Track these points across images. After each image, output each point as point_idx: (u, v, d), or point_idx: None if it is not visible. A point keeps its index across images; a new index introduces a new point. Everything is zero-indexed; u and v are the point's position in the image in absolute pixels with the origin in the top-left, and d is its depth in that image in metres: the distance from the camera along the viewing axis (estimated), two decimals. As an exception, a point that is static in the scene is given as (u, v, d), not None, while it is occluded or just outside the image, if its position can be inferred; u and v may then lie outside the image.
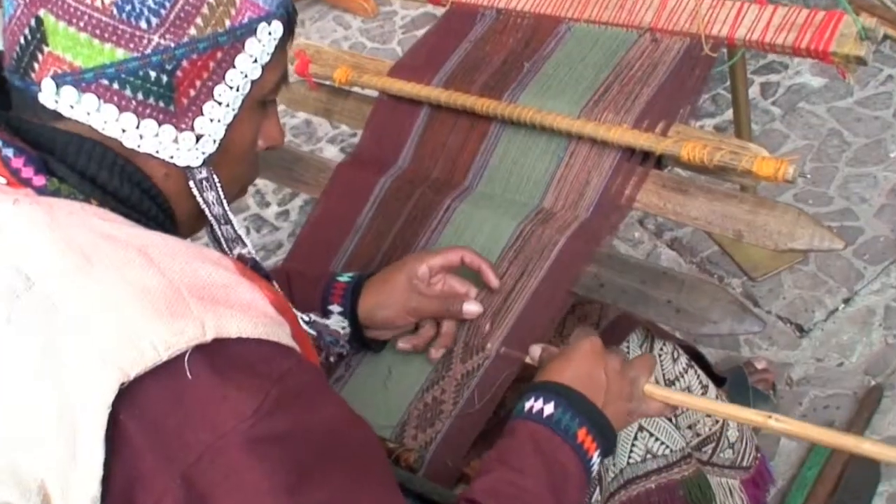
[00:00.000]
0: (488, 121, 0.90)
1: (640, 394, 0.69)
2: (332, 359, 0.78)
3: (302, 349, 0.52)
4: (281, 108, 0.65)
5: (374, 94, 0.99)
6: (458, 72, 0.94)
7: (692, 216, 0.79)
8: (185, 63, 0.51)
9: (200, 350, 0.46)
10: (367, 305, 0.79)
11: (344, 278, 0.82)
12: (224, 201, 0.57)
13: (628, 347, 0.85)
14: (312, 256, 0.93)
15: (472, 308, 0.79)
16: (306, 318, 0.71)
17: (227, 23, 0.52)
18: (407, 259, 0.82)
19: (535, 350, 0.75)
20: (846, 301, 1.28)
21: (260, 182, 1.59)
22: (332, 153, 1.70)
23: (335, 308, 0.79)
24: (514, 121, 0.87)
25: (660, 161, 0.82)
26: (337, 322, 0.79)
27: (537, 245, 0.82)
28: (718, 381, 0.95)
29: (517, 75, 0.91)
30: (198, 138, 0.54)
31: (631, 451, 0.80)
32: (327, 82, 1.02)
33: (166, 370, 0.45)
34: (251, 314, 0.48)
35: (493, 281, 0.80)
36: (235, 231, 0.59)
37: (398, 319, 0.80)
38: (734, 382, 1.13)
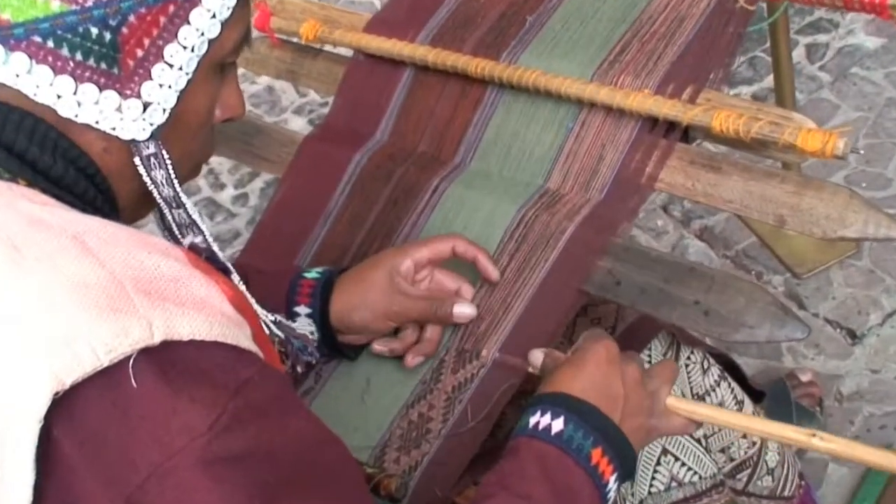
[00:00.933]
0: (483, 85, 0.90)
1: (661, 408, 0.70)
2: (299, 368, 0.78)
3: (265, 355, 0.53)
4: (238, 71, 0.64)
5: (348, 53, 0.99)
6: (447, 27, 0.93)
7: (725, 199, 0.79)
8: (132, 18, 0.51)
9: (147, 354, 0.46)
10: (340, 307, 0.80)
11: (312, 274, 0.82)
12: (175, 181, 0.57)
13: (650, 356, 0.86)
14: (275, 248, 0.93)
15: (464, 311, 0.80)
16: (271, 318, 0.71)
17: None
18: (387, 252, 0.82)
19: (537, 356, 0.75)
20: (907, 302, 1.34)
21: (213, 160, 1.57)
22: (298, 125, 1.70)
23: (302, 309, 0.80)
24: (514, 85, 0.87)
25: (687, 133, 0.83)
26: (304, 326, 0.80)
27: (542, 234, 0.83)
28: (756, 395, 0.95)
29: (517, 31, 0.90)
30: (145, 107, 0.54)
31: (653, 479, 0.80)
32: (293, 39, 1.01)
33: (107, 378, 0.45)
34: (206, 313, 0.48)
35: (492, 272, 0.81)
36: (189, 215, 0.59)
37: (376, 323, 0.81)
38: (775, 397, 1.13)
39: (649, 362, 0.85)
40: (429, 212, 0.90)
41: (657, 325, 0.86)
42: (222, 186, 1.61)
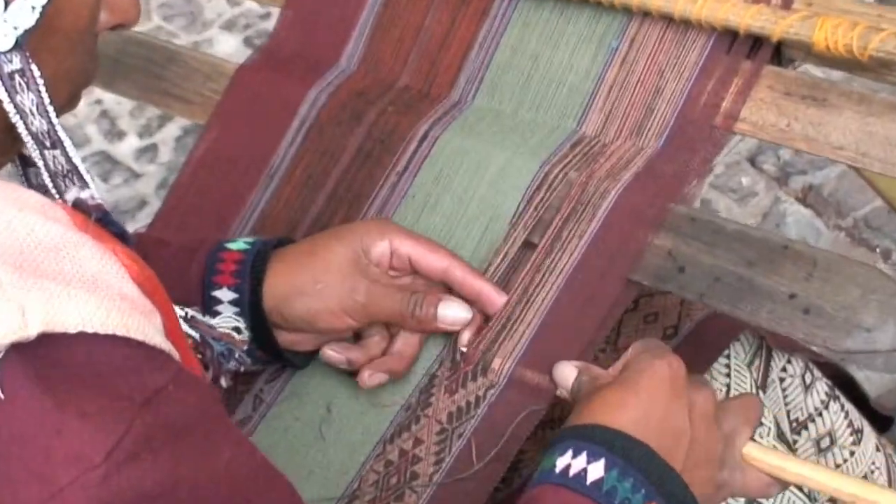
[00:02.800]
0: (491, -13, 0.93)
1: (736, 458, 0.72)
2: (223, 382, 0.80)
3: (183, 358, 0.55)
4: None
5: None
6: None
7: (835, 145, 0.79)
8: None
9: (19, 352, 0.47)
10: (280, 289, 0.81)
11: (238, 245, 0.83)
12: (50, 109, 0.58)
13: (728, 367, 0.87)
14: (194, 221, 0.95)
15: (454, 313, 0.82)
16: (182, 313, 0.73)
17: None
18: (356, 225, 0.84)
19: (566, 372, 0.77)
20: None
21: (110, 100, 1.56)
22: (229, 47, 1.70)
23: (224, 294, 0.81)
24: (536, -13, 0.90)
25: (780, 53, 0.83)
26: (228, 319, 0.81)
27: (575, 200, 0.84)
28: (881, 422, 0.97)
29: None
30: (6, 4, 0.55)
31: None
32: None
33: None
34: (100, 294, 0.49)
35: (496, 300, 0.82)
36: (69, 159, 0.59)
37: (329, 319, 0.82)
38: (909, 426, 1.17)
39: (727, 375, 0.86)
40: (414, 169, 0.91)
41: (735, 325, 0.87)
42: (121, 136, 1.59)
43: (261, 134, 0.95)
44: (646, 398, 0.69)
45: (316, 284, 0.81)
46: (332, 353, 0.84)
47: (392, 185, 0.91)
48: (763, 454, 0.72)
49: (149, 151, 1.59)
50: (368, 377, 0.82)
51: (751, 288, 0.76)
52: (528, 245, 0.85)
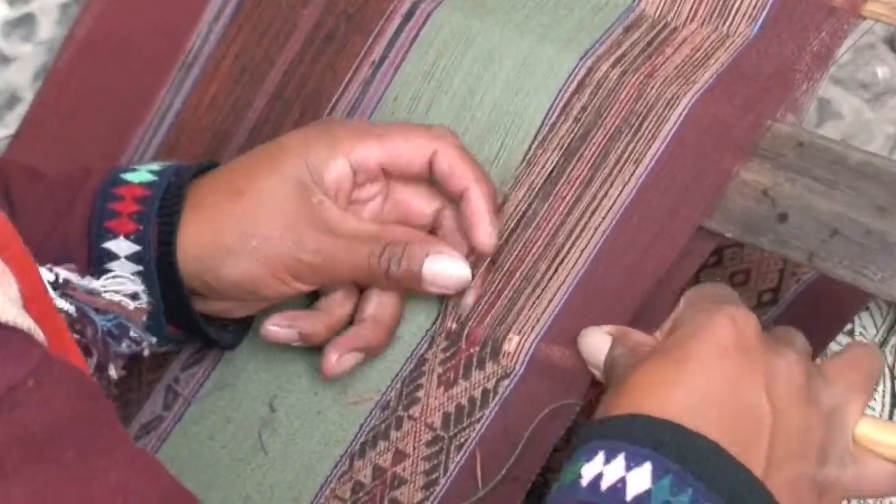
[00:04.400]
0: None
1: (845, 444, 0.72)
2: (113, 372, 0.80)
3: (52, 342, 0.56)
4: None
5: None
6: None
7: None
8: None
9: None
10: (198, 248, 0.83)
11: (142, 176, 0.84)
12: None
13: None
14: (79, 132, 0.96)
15: (448, 270, 0.83)
16: (49, 277, 0.73)
17: None
18: (293, 139, 0.85)
19: (595, 340, 0.78)
20: None
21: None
22: None
23: (120, 246, 0.82)
24: None
25: None
26: (124, 283, 0.81)
27: (628, 110, 0.85)
28: None
29: None
30: None
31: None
32: None
33: None
34: None
35: (485, 239, 0.83)
36: None
37: (267, 281, 0.83)
38: None
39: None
40: (396, 60, 0.91)
41: (854, 293, 0.85)
42: (-19, 1, 1.66)
43: (171, 8, 0.96)
44: (702, 371, 0.69)
45: (248, 241, 0.82)
46: (276, 328, 0.85)
47: (364, 81, 0.91)
48: (888, 433, 0.71)
49: (23, 25, 1.50)
50: (337, 361, 0.84)
51: (883, 245, 0.76)
52: (560, 173, 0.85)
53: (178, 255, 0.82)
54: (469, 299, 0.84)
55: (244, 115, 0.94)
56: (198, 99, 0.96)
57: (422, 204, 0.86)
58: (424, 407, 0.83)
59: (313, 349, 0.86)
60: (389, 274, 0.82)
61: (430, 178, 0.85)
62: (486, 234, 0.83)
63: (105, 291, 0.79)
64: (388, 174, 0.85)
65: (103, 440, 0.54)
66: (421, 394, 0.84)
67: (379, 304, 0.85)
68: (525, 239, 0.85)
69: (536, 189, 0.86)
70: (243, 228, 0.82)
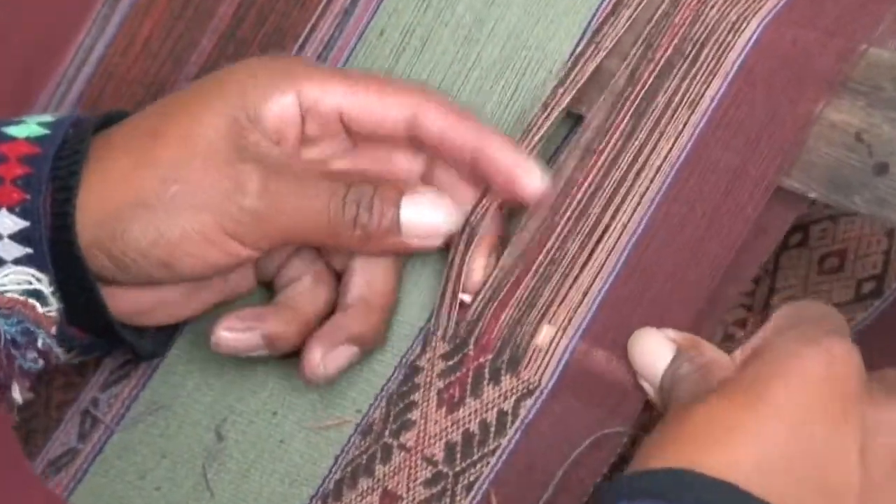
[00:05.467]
0: None
1: None
2: (15, 392, 0.79)
3: None
4: None
5: None
6: None
7: None
8: None
9: None
10: (101, 203, 0.79)
11: (28, 128, 0.82)
12: None
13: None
14: None
15: (430, 215, 0.81)
16: None
17: None
18: (234, 72, 0.84)
19: (652, 348, 0.76)
20: None
21: None
22: None
23: (3, 222, 0.79)
24: None
25: None
26: (17, 274, 0.79)
27: (680, 35, 0.83)
28: None
29: None
30: None
31: None
32: None
33: None
34: None
35: (535, 182, 0.82)
36: None
37: (200, 250, 0.79)
38: None
39: None
40: None
41: None
42: None
43: None
44: (779, 421, 0.67)
45: (167, 188, 0.78)
46: (230, 335, 0.82)
47: (342, 11, 0.91)
48: None
49: None
50: (323, 358, 0.80)
51: None
52: (593, 122, 0.83)
53: (77, 225, 0.80)
54: (477, 275, 0.81)
55: (186, 59, 0.94)
56: (126, 41, 0.96)
57: (404, 161, 0.84)
58: (421, 434, 0.81)
59: (271, 357, 0.84)
60: (360, 224, 0.79)
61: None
62: (532, 178, 0.81)
63: (3, 288, 0.78)
64: (353, 134, 0.83)
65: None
66: (415, 415, 0.81)
67: (367, 281, 0.83)
68: (549, 209, 0.82)
69: (562, 144, 0.84)
70: (160, 172, 0.80)
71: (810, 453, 0.66)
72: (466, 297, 0.81)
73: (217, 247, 0.79)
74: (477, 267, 0.82)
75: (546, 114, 0.84)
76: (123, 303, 0.82)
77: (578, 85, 0.85)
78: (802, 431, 0.67)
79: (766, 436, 0.66)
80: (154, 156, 0.80)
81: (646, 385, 0.77)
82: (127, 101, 0.94)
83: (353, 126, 0.83)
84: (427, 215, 0.82)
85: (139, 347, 0.85)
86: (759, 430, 0.67)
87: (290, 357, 0.83)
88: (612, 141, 0.83)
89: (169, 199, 0.79)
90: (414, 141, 0.83)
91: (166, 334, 0.87)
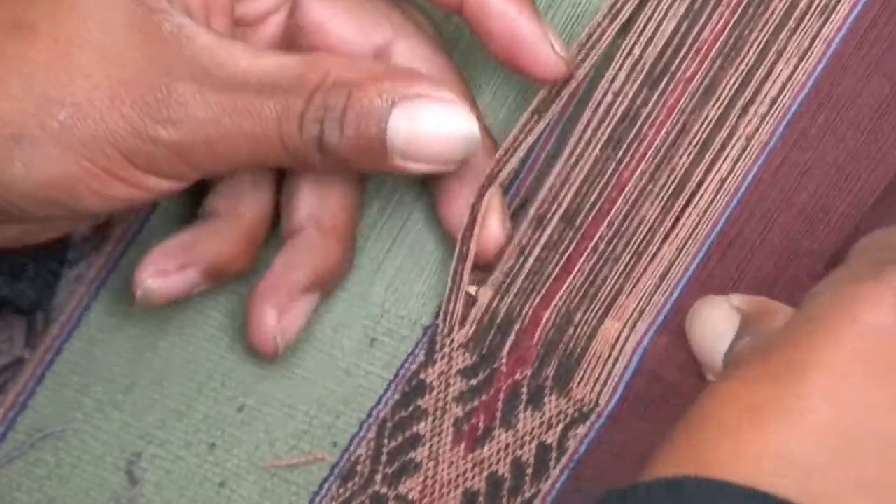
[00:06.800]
0: None
1: None
2: None
3: None
4: None
5: None
6: None
7: None
8: None
9: None
10: None
11: None
12: None
13: None
14: None
15: (432, 124, 0.69)
16: None
17: None
18: None
19: (712, 320, 0.71)
20: None
21: None
22: None
23: None
24: None
25: None
26: None
27: None
28: None
29: None
30: None
31: None
32: None
33: None
34: None
35: (551, 59, 0.72)
36: None
37: (96, 180, 0.70)
38: None
39: None
40: None
41: None
42: None
43: None
44: (821, 392, 0.59)
45: (51, 114, 0.68)
46: (160, 283, 0.72)
47: None
48: None
49: None
50: (280, 319, 0.72)
51: None
52: (674, 36, 0.72)
53: None
54: (495, 231, 0.71)
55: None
56: None
57: (355, 30, 0.71)
58: (429, 481, 0.72)
59: (204, 349, 0.72)
60: (326, 146, 0.66)
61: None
62: (547, 54, 0.70)
63: None
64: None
65: None
66: (421, 454, 0.71)
67: (317, 195, 0.72)
68: (609, 163, 0.72)
69: (629, 68, 0.71)
70: (41, 92, 0.68)
71: (866, 441, 0.57)
72: (471, 289, 0.71)
73: (128, 182, 0.69)
74: (494, 223, 0.70)
75: (610, 21, 0.72)
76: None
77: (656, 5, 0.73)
78: (856, 408, 0.57)
79: (802, 416, 0.57)
80: (28, 62, 0.69)
81: (709, 376, 0.69)
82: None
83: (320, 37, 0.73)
84: (430, 130, 0.68)
85: (17, 296, 0.76)
86: (792, 408, 0.57)
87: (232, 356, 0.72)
88: (705, 62, 0.72)
89: (56, 130, 0.68)
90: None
91: (51, 277, 0.77)
